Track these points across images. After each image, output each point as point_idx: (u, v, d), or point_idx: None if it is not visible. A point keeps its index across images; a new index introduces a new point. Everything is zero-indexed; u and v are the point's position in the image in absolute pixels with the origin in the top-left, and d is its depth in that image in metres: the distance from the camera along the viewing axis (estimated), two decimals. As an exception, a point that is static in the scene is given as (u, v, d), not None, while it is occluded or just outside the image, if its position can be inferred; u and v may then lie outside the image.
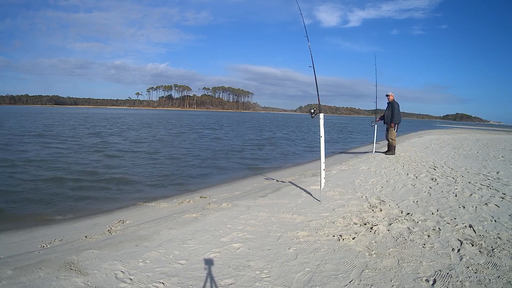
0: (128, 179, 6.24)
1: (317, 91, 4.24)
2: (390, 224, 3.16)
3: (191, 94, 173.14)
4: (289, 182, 5.47)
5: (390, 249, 2.60)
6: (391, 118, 8.15)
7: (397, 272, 2.23)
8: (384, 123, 8.44)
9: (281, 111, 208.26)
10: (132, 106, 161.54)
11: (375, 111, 9.29)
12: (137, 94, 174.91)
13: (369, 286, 2.06)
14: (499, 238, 2.82)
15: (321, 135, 3.95)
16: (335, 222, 3.26)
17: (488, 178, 5.47)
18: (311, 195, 4.40)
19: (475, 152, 9.62)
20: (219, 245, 2.70)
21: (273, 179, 6.18)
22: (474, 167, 6.58)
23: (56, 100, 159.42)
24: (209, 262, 2.37)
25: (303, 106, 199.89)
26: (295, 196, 4.36)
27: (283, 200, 4.17)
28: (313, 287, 2.06)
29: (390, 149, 8.56)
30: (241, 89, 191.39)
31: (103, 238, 3.09)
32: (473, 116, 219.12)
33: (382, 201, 4.05)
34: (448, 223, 3.21)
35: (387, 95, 8.29)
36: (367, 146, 13.01)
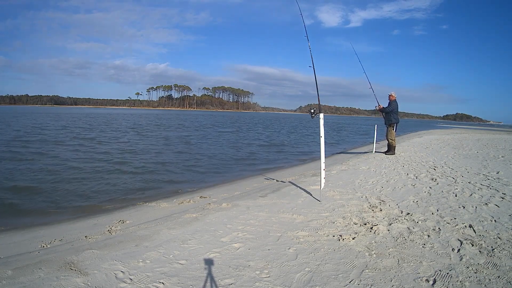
0: (128, 179, 6.24)
1: (317, 91, 4.24)
2: (390, 224, 3.16)
3: (191, 94, 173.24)
4: (289, 182, 5.47)
5: (390, 249, 2.60)
6: (390, 118, 8.16)
7: (397, 272, 2.23)
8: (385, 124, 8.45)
9: (281, 111, 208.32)
10: (132, 106, 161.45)
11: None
12: (137, 94, 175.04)
13: (369, 286, 2.05)
14: (499, 238, 2.82)
15: (321, 135, 3.95)
16: (335, 222, 3.25)
17: (488, 178, 5.47)
18: (311, 195, 4.40)
19: (475, 152, 9.62)
20: (219, 245, 2.70)
21: (273, 179, 6.18)
22: (474, 167, 6.58)
23: (56, 100, 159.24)
24: (209, 262, 2.37)
25: (303, 106, 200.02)
26: (295, 196, 4.36)
27: (283, 200, 4.17)
28: (313, 287, 2.06)
29: (390, 149, 8.56)
30: (241, 89, 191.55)
31: (103, 238, 3.09)
32: (473, 116, 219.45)
33: (382, 201, 4.05)
34: (448, 223, 3.20)
35: (389, 95, 8.28)
36: (367, 146, 13.01)
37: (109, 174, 6.63)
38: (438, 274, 2.19)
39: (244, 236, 2.91)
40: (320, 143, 3.99)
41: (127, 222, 3.73)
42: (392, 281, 2.11)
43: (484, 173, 5.94)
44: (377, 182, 5.14)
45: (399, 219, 3.33)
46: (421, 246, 2.65)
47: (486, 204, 3.86)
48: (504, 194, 4.34)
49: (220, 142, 13.84)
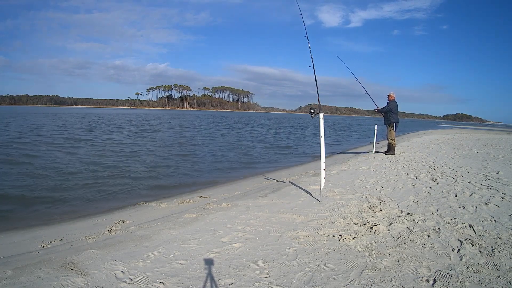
0: (128, 179, 6.24)
1: (317, 91, 4.24)
2: (390, 224, 3.16)
3: (191, 94, 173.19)
4: (289, 182, 5.47)
5: (390, 249, 2.60)
6: (389, 118, 8.17)
7: (397, 272, 2.23)
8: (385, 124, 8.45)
9: (281, 111, 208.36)
10: (132, 106, 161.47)
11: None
12: (137, 94, 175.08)
13: (369, 286, 2.05)
14: (499, 238, 2.82)
15: (321, 135, 3.95)
16: (335, 222, 3.25)
17: (488, 178, 5.47)
18: (311, 195, 4.40)
19: (475, 152, 9.62)
20: (219, 245, 2.70)
21: (273, 179, 6.18)
22: (474, 167, 6.58)
23: (56, 100, 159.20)
24: (209, 262, 2.37)
25: (303, 106, 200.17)
26: (295, 196, 4.36)
27: (283, 200, 4.17)
28: (313, 287, 2.06)
29: (390, 149, 8.55)
30: (241, 89, 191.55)
31: (103, 238, 3.09)
32: (473, 116, 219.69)
33: (382, 201, 4.05)
34: (448, 223, 3.20)
35: (388, 95, 8.28)
36: (367, 146, 13.01)
37: (109, 174, 6.62)
38: (438, 274, 2.19)
39: (244, 236, 2.91)
40: (320, 143, 3.99)
41: (127, 222, 3.73)
42: (392, 281, 2.11)
43: (484, 173, 5.94)
44: (377, 182, 5.14)
45: (399, 219, 3.33)
46: (421, 246, 2.65)
47: (486, 204, 3.86)
48: (504, 194, 4.33)
49: (220, 143, 13.83)
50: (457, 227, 3.09)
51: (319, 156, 4.05)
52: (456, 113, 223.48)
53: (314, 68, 4.14)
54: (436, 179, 5.31)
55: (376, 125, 9.41)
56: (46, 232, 3.54)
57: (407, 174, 5.76)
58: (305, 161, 9.49)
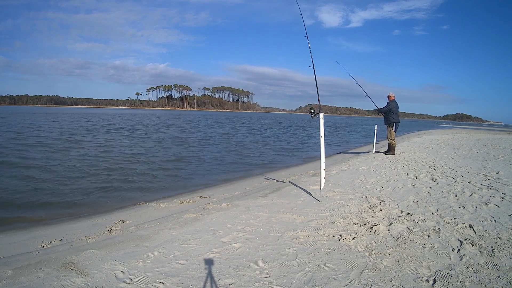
0: (128, 180, 6.24)
1: (317, 91, 4.25)
2: (390, 224, 3.16)
3: (191, 94, 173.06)
4: (289, 182, 5.47)
5: (390, 249, 2.60)
6: (389, 118, 8.17)
7: (397, 272, 2.23)
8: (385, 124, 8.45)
9: (281, 111, 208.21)
10: (132, 106, 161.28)
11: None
12: (137, 94, 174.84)
13: (369, 286, 2.05)
14: (499, 238, 2.82)
15: (321, 135, 3.95)
16: (335, 222, 3.25)
17: (488, 178, 5.46)
18: (311, 195, 4.40)
19: (475, 152, 9.62)
20: (219, 245, 2.70)
21: (273, 179, 6.18)
22: (474, 167, 6.58)
23: (56, 100, 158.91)
24: (209, 262, 2.37)
25: (303, 106, 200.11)
26: (295, 196, 4.36)
27: (283, 200, 4.17)
28: (313, 287, 2.06)
29: (390, 149, 8.55)
30: (241, 89, 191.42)
31: (103, 238, 3.09)
32: (473, 116, 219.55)
33: (382, 201, 4.05)
34: (448, 223, 3.20)
35: (388, 95, 8.28)
36: (367, 146, 13.01)
37: (108, 174, 6.62)
38: (438, 274, 2.19)
39: (244, 236, 2.91)
40: (320, 143, 3.99)
41: (127, 222, 3.73)
42: (392, 281, 2.11)
43: (484, 173, 5.94)
44: (377, 182, 5.14)
45: (399, 219, 3.33)
46: (421, 246, 2.65)
47: (486, 204, 3.86)
48: (504, 194, 4.33)
49: (220, 143, 13.84)
50: (457, 227, 3.09)
51: (319, 156, 4.05)
52: (456, 113, 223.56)
53: (314, 68, 4.15)
54: (436, 179, 5.31)
55: (376, 125, 9.41)
56: (46, 232, 3.54)
57: (407, 174, 5.76)
58: (305, 161, 9.49)
